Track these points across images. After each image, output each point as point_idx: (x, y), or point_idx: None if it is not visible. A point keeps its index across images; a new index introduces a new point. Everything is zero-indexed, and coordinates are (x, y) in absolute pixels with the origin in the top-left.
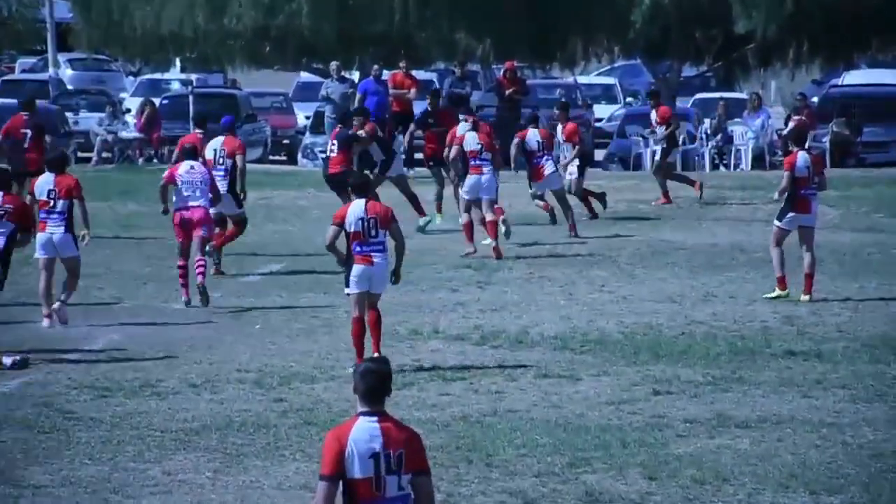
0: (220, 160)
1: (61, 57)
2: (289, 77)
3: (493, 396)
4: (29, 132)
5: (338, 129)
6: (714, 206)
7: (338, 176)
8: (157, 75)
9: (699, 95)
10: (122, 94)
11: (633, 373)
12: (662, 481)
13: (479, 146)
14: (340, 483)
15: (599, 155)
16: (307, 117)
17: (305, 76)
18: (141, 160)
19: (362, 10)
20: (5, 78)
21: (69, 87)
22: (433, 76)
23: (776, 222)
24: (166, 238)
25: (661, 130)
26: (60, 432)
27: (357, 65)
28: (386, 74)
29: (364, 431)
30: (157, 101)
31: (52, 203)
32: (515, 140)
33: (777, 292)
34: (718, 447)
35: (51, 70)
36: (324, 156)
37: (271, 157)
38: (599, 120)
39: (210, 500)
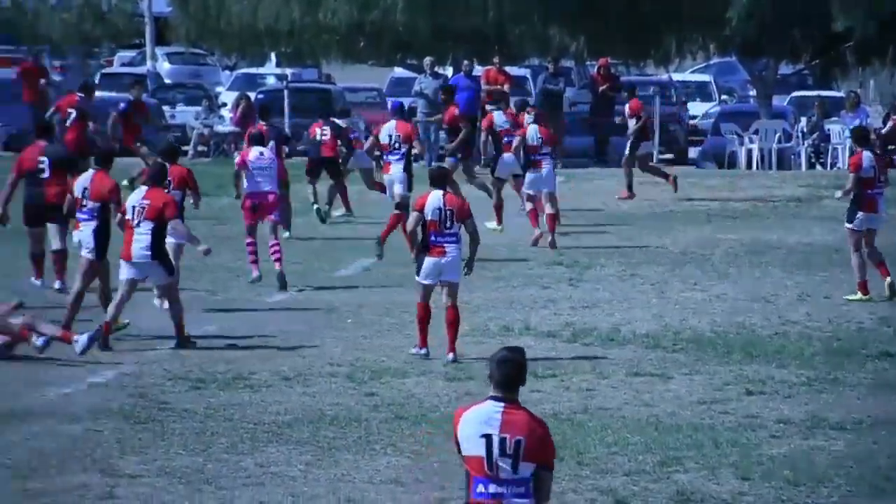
0: (396, 144)
1: (159, 51)
2: (383, 72)
3: (584, 394)
4: (73, 113)
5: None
6: (810, 205)
7: (332, 159)
8: (253, 70)
9: (796, 94)
10: (219, 89)
11: (726, 372)
12: (755, 482)
13: (540, 140)
14: None
15: (693, 153)
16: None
17: (399, 71)
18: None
19: (456, 5)
20: (104, 71)
21: (166, 80)
22: (526, 72)
23: (847, 224)
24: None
25: (632, 123)
26: (155, 423)
27: (450, 60)
28: (479, 70)
29: (483, 414)
30: (252, 95)
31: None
32: (483, 125)
33: (858, 296)
34: (812, 448)
35: (149, 64)
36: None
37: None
38: (694, 117)
39: (302, 492)
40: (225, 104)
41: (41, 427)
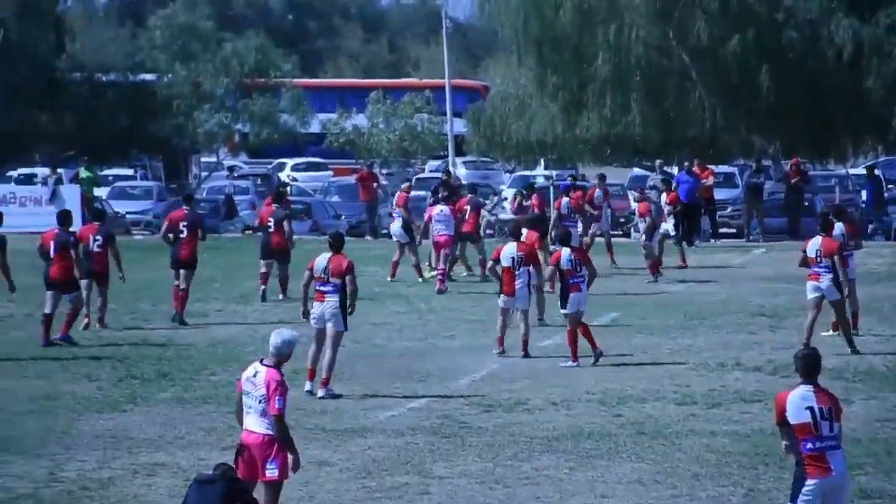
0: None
1: (458, 160)
2: (624, 171)
3: None
4: (186, 223)
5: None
6: None
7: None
8: (527, 171)
9: None
10: (501, 186)
11: (895, 398)
12: None
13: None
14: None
15: (868, 229)
16: (635, 201)
17: (637, 171)
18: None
19: (679, 120)
20: (418, 176)
21: (463, 182)
22: (734, 170)
23: None
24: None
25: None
26: (457, 437)
27: (675, 161)
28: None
29: (801, 394)
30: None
31: (325, 279)
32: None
33: None
34: None
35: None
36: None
37: (611, 232)
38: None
39: (567, 490)
40: (506, 198)
41: (374, 440)
